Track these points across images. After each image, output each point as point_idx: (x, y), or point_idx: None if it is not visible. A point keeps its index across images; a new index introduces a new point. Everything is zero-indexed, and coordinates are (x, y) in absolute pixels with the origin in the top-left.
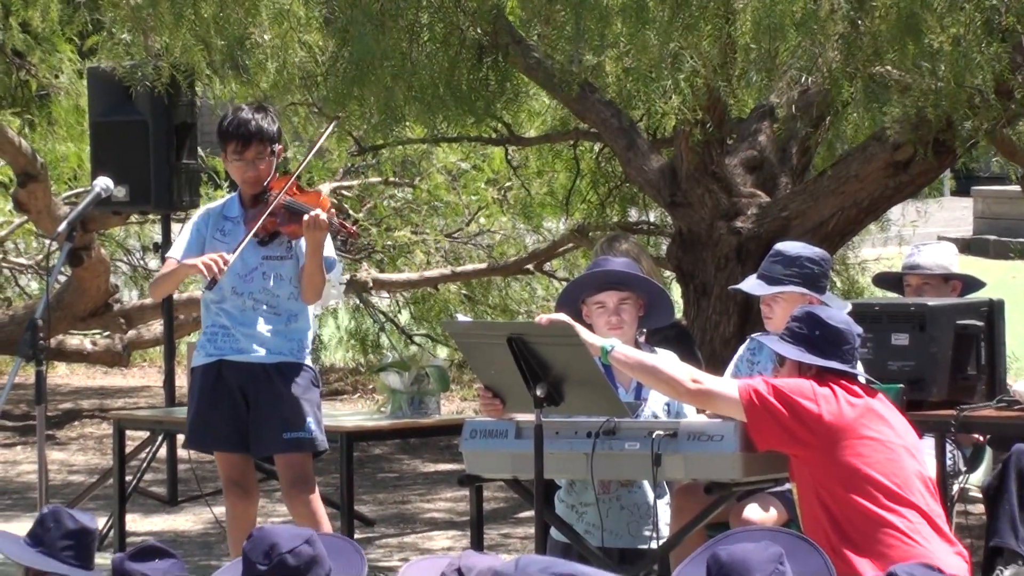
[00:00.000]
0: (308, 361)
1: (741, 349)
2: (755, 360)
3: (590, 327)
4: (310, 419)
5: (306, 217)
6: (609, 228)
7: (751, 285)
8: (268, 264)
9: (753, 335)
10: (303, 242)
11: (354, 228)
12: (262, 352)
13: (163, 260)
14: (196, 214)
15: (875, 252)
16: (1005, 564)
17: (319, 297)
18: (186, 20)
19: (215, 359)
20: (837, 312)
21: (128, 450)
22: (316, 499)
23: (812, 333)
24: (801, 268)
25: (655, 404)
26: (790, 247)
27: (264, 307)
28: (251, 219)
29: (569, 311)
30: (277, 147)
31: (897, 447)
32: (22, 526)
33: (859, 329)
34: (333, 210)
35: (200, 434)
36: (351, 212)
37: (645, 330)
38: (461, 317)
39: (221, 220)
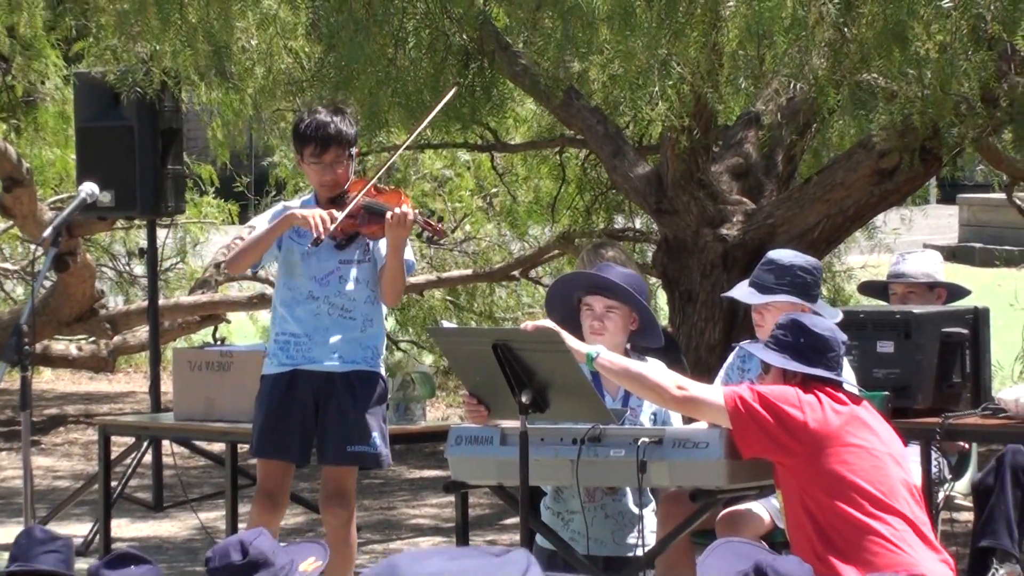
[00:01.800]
0: (381, 370)
1: (731, 357)
2: (745, 368)
3: (581, 327)
4: (376, 433)
5: (389, 215)
6: (595, 235)
7: (743, 293)
8: (345, 268)
9: (740, 343)
10: (382, 244)
11: (440, 226)
12: (336, 361)
13: (149, 265)
14: (274, 208)
15: (861, 259)
16: (1000, 562)
17: (399, 299)
18: (173, 26)
19: (289, 368)
20: (822, 320)
21: (113, 456)
22: (350, 516)
23: (797, 340)
24: (794, 277)
25: (643, 415)
26: (783, 256)
27: (340, 312)
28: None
29: (561, 309)
30: (354, 150)
31: (882, 455)
32: (7, 531)
33: (844, 336)
34: (417, 208)
35: (267, 442)
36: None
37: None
38: (446, 323)
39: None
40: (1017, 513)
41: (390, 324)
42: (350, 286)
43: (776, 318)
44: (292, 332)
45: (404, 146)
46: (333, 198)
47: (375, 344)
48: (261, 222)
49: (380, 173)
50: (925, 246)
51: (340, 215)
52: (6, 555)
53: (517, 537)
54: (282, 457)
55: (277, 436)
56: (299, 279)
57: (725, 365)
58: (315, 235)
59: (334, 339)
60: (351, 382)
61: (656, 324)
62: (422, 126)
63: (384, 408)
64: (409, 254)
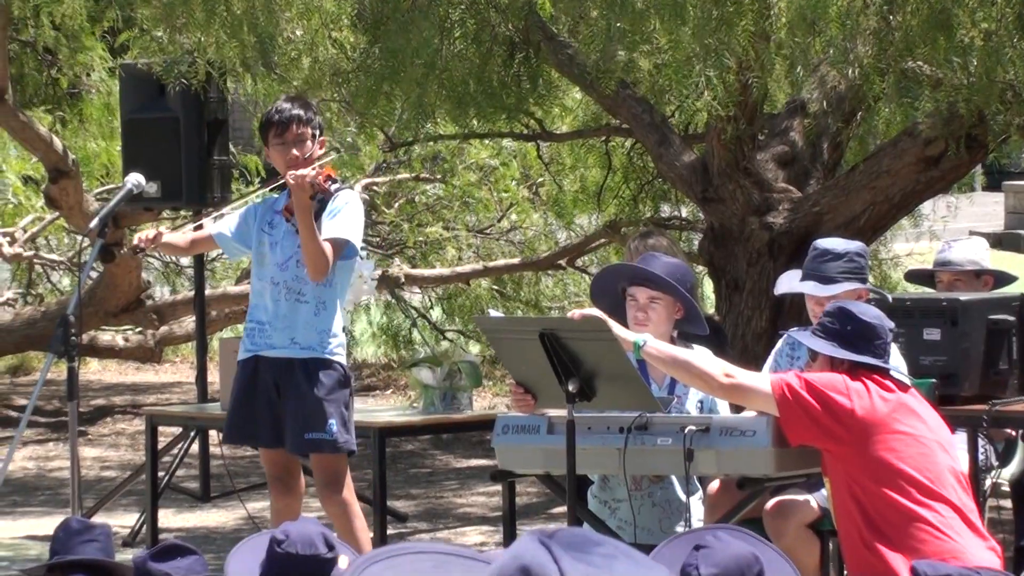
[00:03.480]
0: (338, 358)
1: (779, 343)
2: (795, 355)
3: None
4: (332, 420)
5: (289, 177)
6: (641, 224)
7: (809, 287)
8: (300, 251)
9: (788, 331)
10: (325, 222)
11: (327, 183)
12: (292, 347)
13: (196, 255)
14: (254, 201)
15: (907, 247)
16: None
17: (320, 275)
18: (218, 17)
19: (251, 355)
20: (869, 307)
21: (160, 446)
22: (348, 499)
23: (844, 328)
24: (850, 263)
25: (690, 403)
26: (835, 244)
27: (296, 296)
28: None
29: (608, 298)
30: (318, 135)
31: (930, 442)
32: (54, 522)
33: (891, 324)
34: (323, 172)
35: (234, 429)
36: (382, 207)
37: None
38: (493, 313)
39: (271, 213)
40: None
41: (436, 313)
42: (302, 268)
43: None
44: (258, 319)
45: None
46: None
47: (328, 327)
48: (232, 214)
49: (328, 160)
50: (971, 233)
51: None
52: None
53: (565, 526)
54: (250, 443)
55: (242, 423)
56: (267, 268)
57: (774, 352)
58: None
59: (291, 325)
60: (309, 369)
61: (699, 314)
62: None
63: (346, 394)
64: (342, 231)
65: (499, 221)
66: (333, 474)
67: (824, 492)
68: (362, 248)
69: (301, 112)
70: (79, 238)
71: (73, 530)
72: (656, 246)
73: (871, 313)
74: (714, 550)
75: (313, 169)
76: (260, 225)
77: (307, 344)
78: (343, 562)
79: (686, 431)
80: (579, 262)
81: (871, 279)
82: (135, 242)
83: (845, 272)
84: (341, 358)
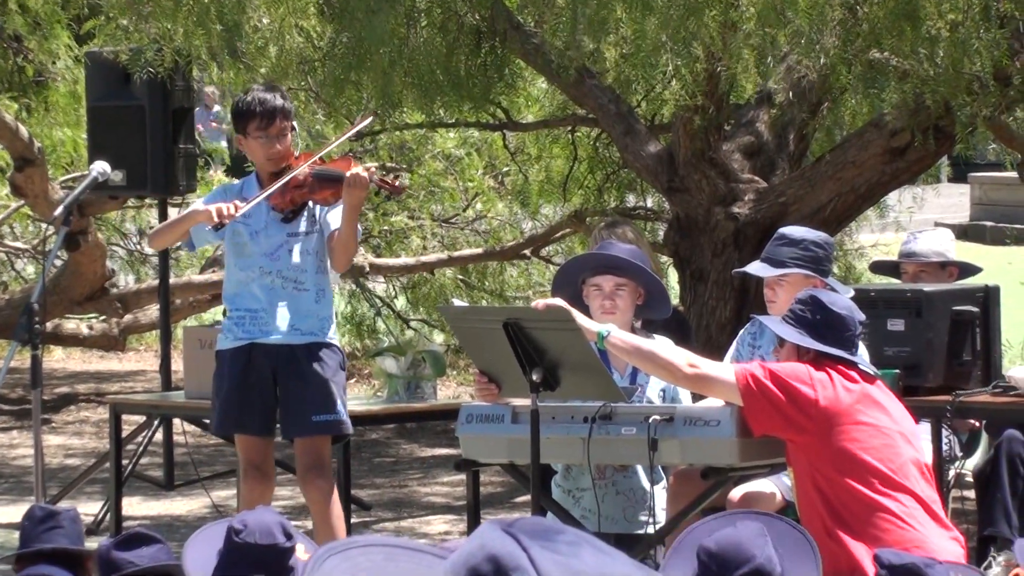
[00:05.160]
0: (336, 340)
1: (742, 331)
2: (756, 344)
3: (587, 308)
4: (339, 401)
5: (348, 174)
6: (606, 214)
7: (755, 268)
8: (293, 240)
9: (755, 316)
10: (333, 212)
11: (397, 182)
12: (293, 333)
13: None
14: (213, 190)
15: (873, 238)
16: (998, 551)
17: (349, 265)
18: (184, 5)
19: (245, 342)
20: (841, 298)
21: (124, 434)
22: (331, 487)
23: (814, 317)
24: (806, 250)
25: (651, 391)
26: (794, 230)
27: (293, 285)
28: (267, 186)
29: (568, 290)
30: (294, 124)
31: (893, 433)
32: (18, 510)
33: (862, 316)
34: (373, 167)
35: (229, 419)
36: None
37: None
38: (457, 302)
39: (241, 200)
40: (1015, 500)
41: (401, 303)
42: (298, 259)
43: (788, 293)
44: (248, 307)
45: (346, 136)
46: (277, 172)
47: (328, 314)
48: (198, 204)
49: (328, 149)
50: (936, 224)
51: (245, 206)
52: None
53: (528, 515)
54: (240, 432)
55: (238, 412)
56: (250, 257)
57: (736, 339)
58: (216, 222)
59: (290, 312)
60: (311, 352)
61: (665, 293)
62: (345, 136)
63: (344, 377)
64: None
65: (464, 210)
66: (318, 458)
67: (785, 477)
68: None
69: (283, 103)
70: (44, 226)
71: (36, 518)
72: (622, 236)
73: (842, 304)
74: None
75: (368, 170)
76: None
77: (308, 330)
78: (300, 550)
79: (650, 421)
80: (544, 252)
81: (835, 270)
82: (225, 213)
83: (797, 259)
84: (336, 341)
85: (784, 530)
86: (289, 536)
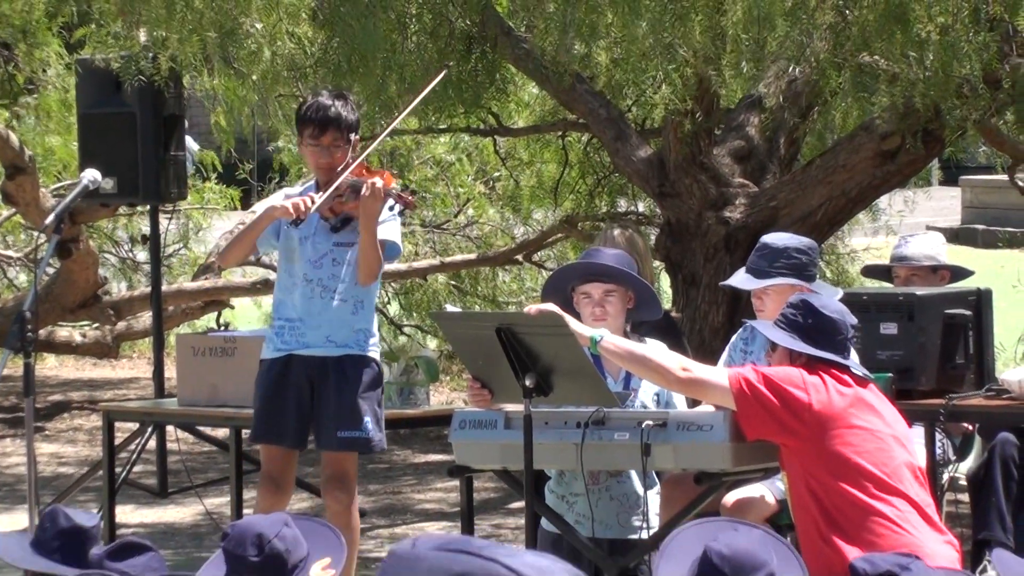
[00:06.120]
0: (374, 355)
1: (735, 337)
2: (748, 349)
3: (578, 315)
4: (368, 418)
5: (364, 187)
6: (598, 218)
7: (740, 280)
8: (338, 251)
9: (746, 321)
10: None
11: (412, 198)
12: (328, 345)
13: (152, 251)
14: (273, 196)
15: (864, 241)
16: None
17: (374, 278)
18: (178, 12)
19: (284, 354)
20: (833, 302)
21: (117, 442)
22: (352, 499)
23: (805, 321)
24: (788, 259)
25: (645, 395)
26: (776, 239)
27: (333, 295)
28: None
29: (557, 299)
30: (354, 137)
31: (886, 436)
32: (12, 518)
33: (853, 320)
34: (395, 184)
35: (265, 427)
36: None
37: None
38: (450, 308)
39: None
40: (1010, 504)
41: (394, 309)
42: (343, 269)
43: (776, 302)
44: (288, 317)
45: (392, 125)
46: (329, 181)
47: (366, 327)
48: (262, 207)
49: (368, 152)
50: (928, 228)
51: (320, 197)
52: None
53: (522, 521)
54: (279, 442)
55: (274, 421)
56: (297, 263)
57: (729, 344)
58: (294, 216)
59: (327, 323)
60: (343, 367)
61: (655, 296)
62: (411, 106)
63: (379, 392)
64: (394, 236)
65: (456, 216)
66: (341, 471)
67: (779, 481)
68: None
69: (343, 114)
70: (35, 234)
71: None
72: (617, 238)
73: (833, 308)
74: (736, 534)
75: (383, 180)
76: (287, 220)
77: (343, 342)
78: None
79: (643, 426)
80: (536, 257)
81: (827, 274)
82: (302, 208)
83: (781, 268)
84: (376, 356)
85: (769, 540)
86: (261, 550)
